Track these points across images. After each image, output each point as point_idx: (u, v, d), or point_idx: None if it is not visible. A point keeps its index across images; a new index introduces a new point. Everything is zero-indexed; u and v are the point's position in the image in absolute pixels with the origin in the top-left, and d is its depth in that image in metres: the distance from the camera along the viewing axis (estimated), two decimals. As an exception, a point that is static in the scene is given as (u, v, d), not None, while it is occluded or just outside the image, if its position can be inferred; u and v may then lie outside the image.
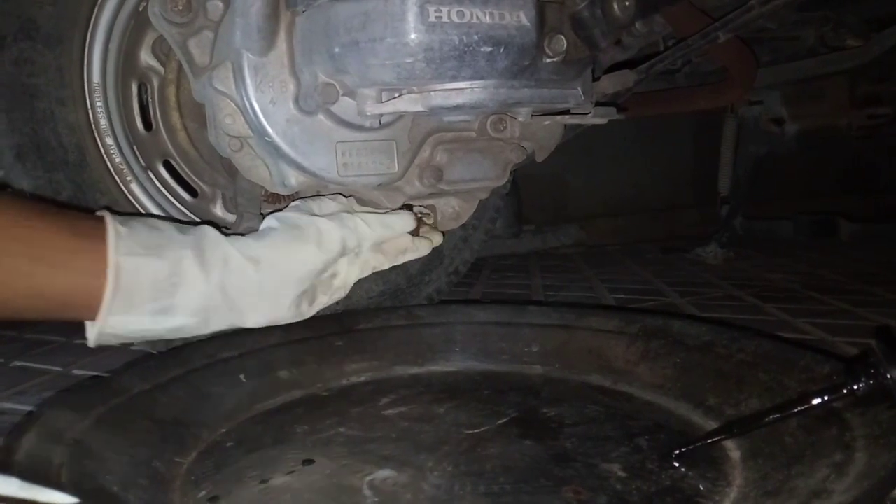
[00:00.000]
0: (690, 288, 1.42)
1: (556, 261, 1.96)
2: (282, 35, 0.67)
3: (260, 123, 0.68)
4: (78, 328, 1.18)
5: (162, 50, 0.89)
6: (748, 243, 1.96)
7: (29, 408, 0.80)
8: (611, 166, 2.37)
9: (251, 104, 0.67)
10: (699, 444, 0.58)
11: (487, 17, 0.61)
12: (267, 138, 0.68)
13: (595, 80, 0.79)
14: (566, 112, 0.76)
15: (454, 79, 0.63)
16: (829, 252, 1.86)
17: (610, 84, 0.80)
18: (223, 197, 0.96)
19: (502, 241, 2.07)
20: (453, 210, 0.84)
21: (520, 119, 0.75)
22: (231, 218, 0.94)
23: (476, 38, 0.60)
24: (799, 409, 0.54)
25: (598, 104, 0.78)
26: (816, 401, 0.53)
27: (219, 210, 0.96)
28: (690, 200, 2.46)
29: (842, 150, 2.29)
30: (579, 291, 1.42)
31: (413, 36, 0.59)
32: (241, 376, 0.78)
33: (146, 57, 0.89)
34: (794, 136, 1.57)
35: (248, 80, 0.67)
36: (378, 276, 1.04)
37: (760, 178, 1.77)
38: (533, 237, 2.20)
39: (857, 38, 1.27)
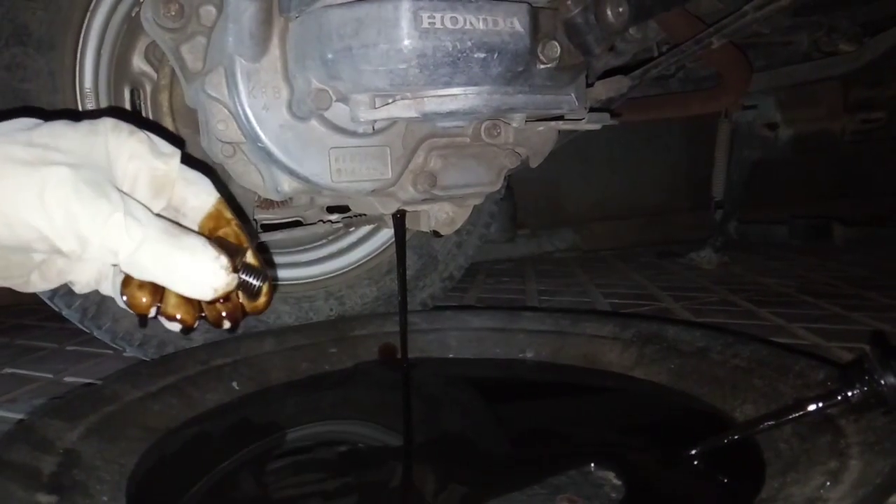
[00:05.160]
0: (685, 293, 1.42)
1: (551, 265, 1.96)
2: (275, 41, 0.66)
3: (253, 129, 0.67)
4: (69, 335, 1.18)
5: (155, 55, 0.88)
6: (743, 247, 1.96)
7: (20, 416, 0.79)
8: (605, 170, 2.37)
9: (244, 110, 0.67)
10: (694, 451, 0.58)
11: (481, 24, 0.60)
12: (260, 144, 0.68)
13: (589, 85, 0.79)
14: (560, 118, 0.76)
15: (448, 85, 0.63)
16: (823, 256, 1.86)
17: (604, 90, 0.80)
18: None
19: (497, 246, 2.07)
20: (447, 216, 0.84)
21: (514, 125, 0.75)
22: (224, 224, 0.94)
23: (470, 44, 0.60)
24: (794, 415, 0.54)
25: (591, 110, 0.78)
26: (811, 407, 0.53)
27: (212, 216, 0.96)
28: (685, 204, 2.46)
29: (836, 154, 2.30)
30: (574, 296, 1.42)
31: (406, 42, 0.58)
32: (234, 384, 0.78)
33: (139, 62, 0.89)
34: (788, 141, 1.57)
35: (241, 86, 0.66)
36: (371, 281, 1.04)
37: (755, 182, 1.77)
38: (528, 241, 2.20)
39: (851, 42, 1.27)
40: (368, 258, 1.04)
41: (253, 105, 0.67)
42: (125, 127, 0.46)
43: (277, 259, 1.00)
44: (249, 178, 0.75)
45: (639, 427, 0.70)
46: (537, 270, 1.85)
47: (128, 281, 0.46)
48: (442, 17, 0.59)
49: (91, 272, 0.49)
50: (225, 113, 0.69)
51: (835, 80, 1.40)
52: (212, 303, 0.47)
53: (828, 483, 0.46)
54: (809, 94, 1.51)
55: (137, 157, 0.45)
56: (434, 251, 1.09)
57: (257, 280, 0.48)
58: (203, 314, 0.48)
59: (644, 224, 2.45)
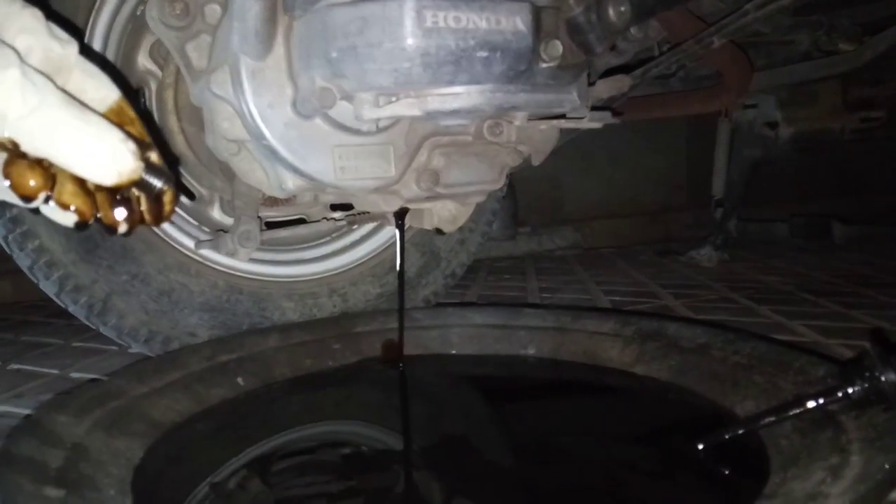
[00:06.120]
0: (685, 290, 1.42)
1: (552, 263, 1.96)
2: (279, 39, 0.67)
3: (257, 127, 0.68)
4: (76, 331, 1.18)
5: (160, 54, 0.89)
6: (742, 245, 1.97)
7: (27, 411, 0.80)
8: (606, 169, 2.38)
9: (249, 108, 0.67)
10: (699, 446, 0.58)
11: (484, 23, 0.61)
12: (264, 142, 0.68)
13: (591, 84, 0.79)
14: (562, 116, 0.76)
15: (451, 83, 0.63)
16: (822, 254, 1.87)
17: (605, 89, 0.81)
18: (221, 200, 0.96)
19: (498, 244, 2.07)
20: (450, 213, 0.85)
21: (516, 123, 0.75)
22: (229, 221, 0.94)
23: (472, 42, 0.61)
24: (794, 411, 0.55)
25: (593, 108, 0.78)
26: (811, 404, 0.54)
27: (216, 213, 0.96)
28: (685, 203, 2.47)
29: (836, 152, 2.30)
30: (575, 293, 1.43)
31: (410, 41, 0.59)
32: (239, 379, 0.79)
33: (144, 61, 0.89)
34: (787, 140, 1.58)
35: (246, 85, 0.67)
36: (374, 278, 1.05)
37: (755, 180, 1.78)
38: (529, 239, 2.20)
39: (851, 42, 1.27)
40: (371, 255, 1.05)
41: (258, 103, 0.67)
42: None
43: (282, 256, 1.00)
44: (254, 175, 0.75)
45: (641, 423, 0.71)
46: (538, 268, 1.86)
47: (13, 160, 0.39)
48: (445, 17, 0.59)
49: None
50: (230, 111, 0.69)
51: (835, 79, 1.41)
52: (110, 195, 0.42)
53: (829, 479, 0.47)
54: (809, 93, 1.52)
55: (30, 31, 0.40)
56: (437, 248, 1.09)
57: (160, 181, 0.44)
58: (97, 214, 0.43)
59: (644, 222, 2.45)
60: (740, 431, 0.58)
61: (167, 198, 0.46)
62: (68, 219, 0.41)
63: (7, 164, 0.39)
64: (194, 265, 0.91)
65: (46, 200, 0.40)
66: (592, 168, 2.34)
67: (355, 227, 1.05)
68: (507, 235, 2.12)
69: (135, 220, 0.44)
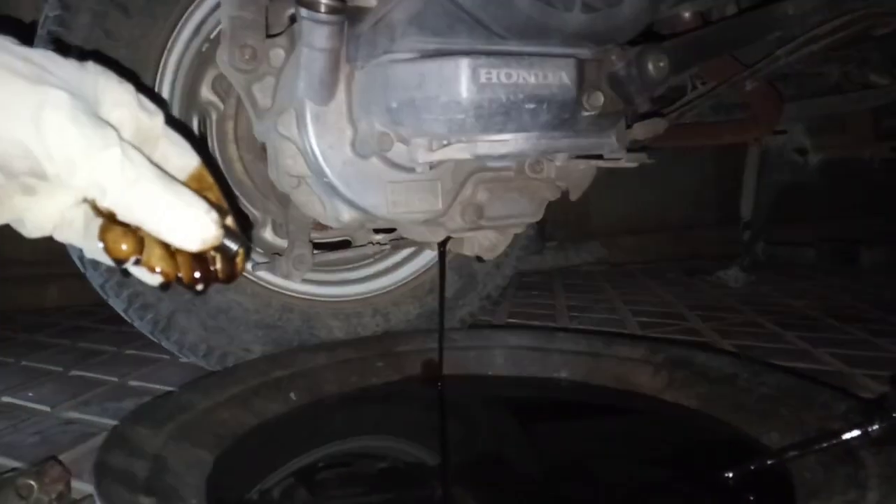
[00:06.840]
0: (712, 313, 1.45)
1: (579, 279, 2.00)
2: (341, 87, 0.73)
3: (319, 165, 0.73)
4: (126, 338, 1.25)
5: (221, 87, 0.95)
6: (770, 268, 1.99)
7: (94, 417, 0.87)
8: (633, 184, 2.40)
9: (312, 148, 0.73)
10: (728, 475, 0.63)
11: (532, 78, 0.66)
12: (325, 179, 0.74)
13: (628, 127, 0.84)
14: (600, 157, 0.81)
15: (500, 132, 0.69)
16: (849, 278, 1.88)
17: (642, 131, 0.85)
18: (273, 223, 1.02)
19: (525, 258, 2.11)
20: (490, 242, 0.90)
21: (557, 163, 0.80)
22: (279, 242, 1.01)
23: (522, 96, 0.66)
24: (819, 446, 0.59)
25: (629, 149, 0.83)
26: (837, 439, 0.58)
27: (269, 235, 1.03)
28: (712, 219, 2.49)
29: (865, 174, 2.30)
30: (603, 313, 1.47)
31: (465, 95, 0.64)
32: (292, 395, 0.85)
33: (206, 93, 0.96)
34: (816, 166, 1.60)
35: (310, 127, 0.72)
36: (415, 299, 1.10)
37: (783, 201, 1.80)
38: (556, 254, 2.24)
39: (882, 75, 1.30)
40: (412, 277, 1.10)
41: (320, 144, 0.73)
42: (113, 73, 0.45)
43: (329, 277, 1.06)
44: (312, 207, 0.81)
45: (670, 448, 0.75)
46: (566, 284, 1.90)
47: (109, 227, 0.44)
48: (498, 73, 0.65)
49: (52, 213, 0.44)
50: (294, 150, 0.75)
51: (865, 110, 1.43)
52: (190, 257, 0.47)
53: (846, 512, 0.51)
54: (840, 122, 1.54)
55: (123, 105, 0.44)
56: (474, 271, 1.15)
57: (236, 244, 0.49)
58: (178, 273, 0.47)
59: (671, 238, 2.48)
60: (768, 462, 0.62)
61: (240, 259, 0.50)
62: (154, 279, 0.47)
63: (103, 230, 0.44)
64: (250, 285, 0.97)
65: (136, 263, 0.45)
66: (619, 183, 2.36)
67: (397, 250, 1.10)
68: (534, 250, 2.16)
69: (210, 279, 0.49)
